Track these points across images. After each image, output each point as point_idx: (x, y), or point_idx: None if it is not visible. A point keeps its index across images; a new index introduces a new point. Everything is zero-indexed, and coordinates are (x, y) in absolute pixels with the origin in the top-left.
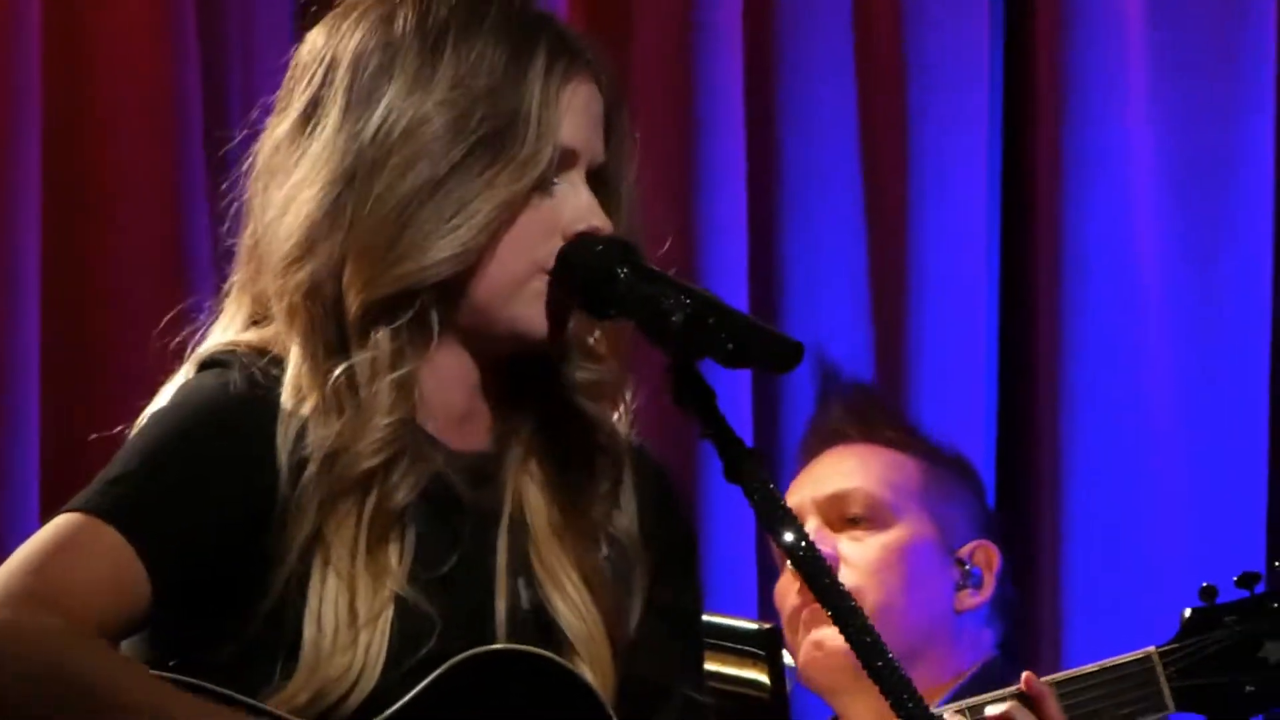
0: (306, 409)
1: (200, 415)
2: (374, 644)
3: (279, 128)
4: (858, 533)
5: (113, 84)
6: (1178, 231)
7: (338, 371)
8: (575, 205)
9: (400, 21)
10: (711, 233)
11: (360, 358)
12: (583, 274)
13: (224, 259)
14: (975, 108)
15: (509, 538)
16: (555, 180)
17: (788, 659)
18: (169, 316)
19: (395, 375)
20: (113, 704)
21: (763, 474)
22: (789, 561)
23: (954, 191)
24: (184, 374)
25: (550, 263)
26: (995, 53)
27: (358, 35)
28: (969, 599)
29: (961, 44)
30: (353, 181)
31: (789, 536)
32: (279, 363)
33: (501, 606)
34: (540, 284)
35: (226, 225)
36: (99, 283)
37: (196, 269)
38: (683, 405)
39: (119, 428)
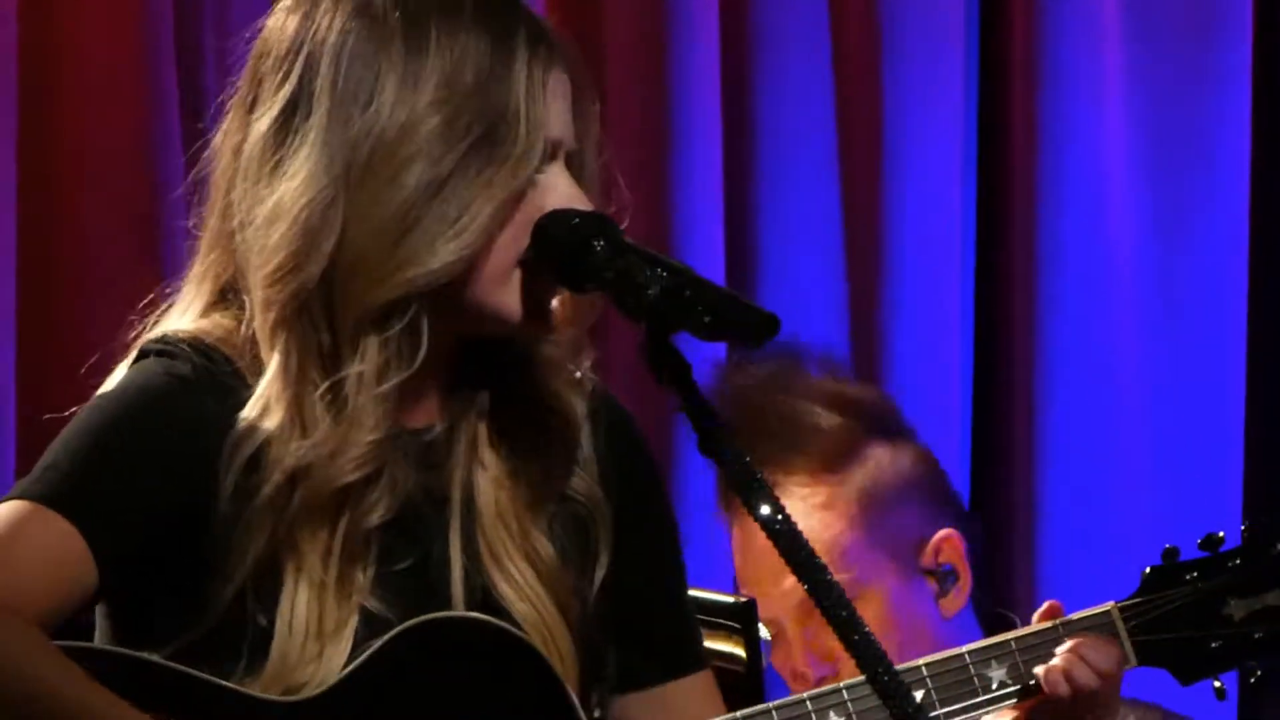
0: (270, 423)
1: (141, 401)
2: (337, 654)
3: (260, 121)
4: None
5: (86, 54)
6: (1152, 206)
7: (323, 387)
8: (560, 194)
9: (380, 10)
10: (686, 207)
11: (349, 371)
12: (558, 247)
13: (197, 232)
14: (950, 79)
15: (460, 522)
16: (540, 172)
17: (763, 632)
18: (146, 301)
19: (382, 389)
20: (43, 705)
21: (738, 447)
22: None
23: (928, 164)
24: (130, 359)
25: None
26: (970, 24)
27: (335, 25)
28: (954, 602)
29: (936, 14)
30: (347, 187)
31: (765, 509)
32: (229, 361)
33: (459, 594)
34: (519, 275)
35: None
36: (73, 255)
37: (170, 240)
38: (658, 378)
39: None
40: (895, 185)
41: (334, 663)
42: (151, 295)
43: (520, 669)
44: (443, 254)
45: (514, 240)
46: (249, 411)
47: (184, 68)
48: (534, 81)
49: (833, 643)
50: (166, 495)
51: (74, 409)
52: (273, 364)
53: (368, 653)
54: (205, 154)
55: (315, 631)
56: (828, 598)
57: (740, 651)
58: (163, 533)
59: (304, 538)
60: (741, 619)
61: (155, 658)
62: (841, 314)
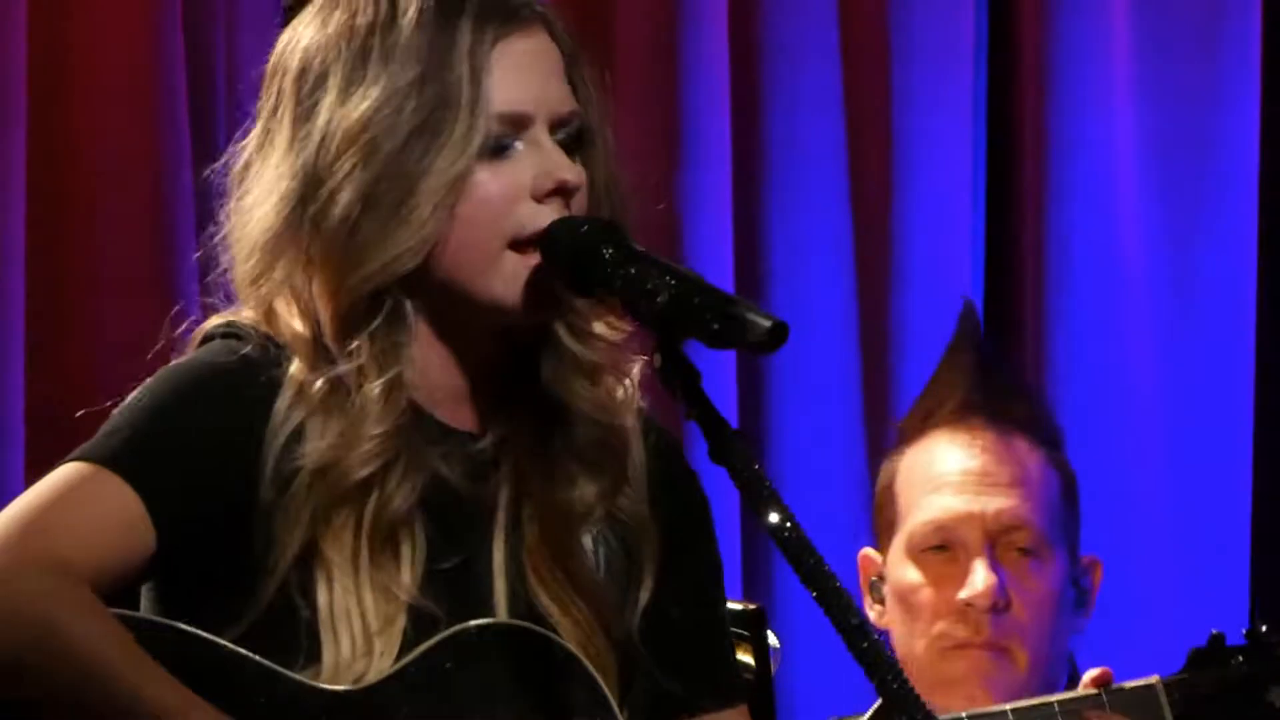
0: (297, 416)
1: (206, 376)
2: (387, 650)
3: (250, 139)
4: (1025, 564)
5: (96, 63)
6: (1160, 215)
7: (318, 384)
8: (537, 164)
9: (333, 25)
10: (697, 213)
11: (344, 368)
12: (568, 253)
13: (207, 237)
14: (960, 88)
15: (505, 533)
16: (512, 143)
17: (773, 640)
18: (160, 339)
19: (382, 380)
20: (94, 673)
21: (748, 454)
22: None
23: (938, 172)
24: (196, 343)
25: (523, 230)
26: (980, 36)
27: (304, 42)
28: (1081, 621)
29: (946, 27)
30: (304, 196)
31: (774, 517)
32: (284, 348)
33: (502, 601)
34: (516, 259)
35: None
36: (82, 261)
37: (179, 247)
38: (668, 385)
39: (107, 403)
40: (905, 196)
41: (384, 658)
42: (171, 312)
43: (569, 682)
44: (394, 244)
45: (488, 217)
46: (282, 402)
47: (193, 75)
48: (478, 57)
49: (1008, 579)
50: (222, 470)
51: (110, 402)
52: (292, 360)
53: (417, 651)
54: (210, 162)
55: (361, 631)
56: (836, 605)
57: (749, 659)
58: (216, 508)
59: (334, 531)
60: (751, 626)
61: (200, 632)
62: (851, 323)
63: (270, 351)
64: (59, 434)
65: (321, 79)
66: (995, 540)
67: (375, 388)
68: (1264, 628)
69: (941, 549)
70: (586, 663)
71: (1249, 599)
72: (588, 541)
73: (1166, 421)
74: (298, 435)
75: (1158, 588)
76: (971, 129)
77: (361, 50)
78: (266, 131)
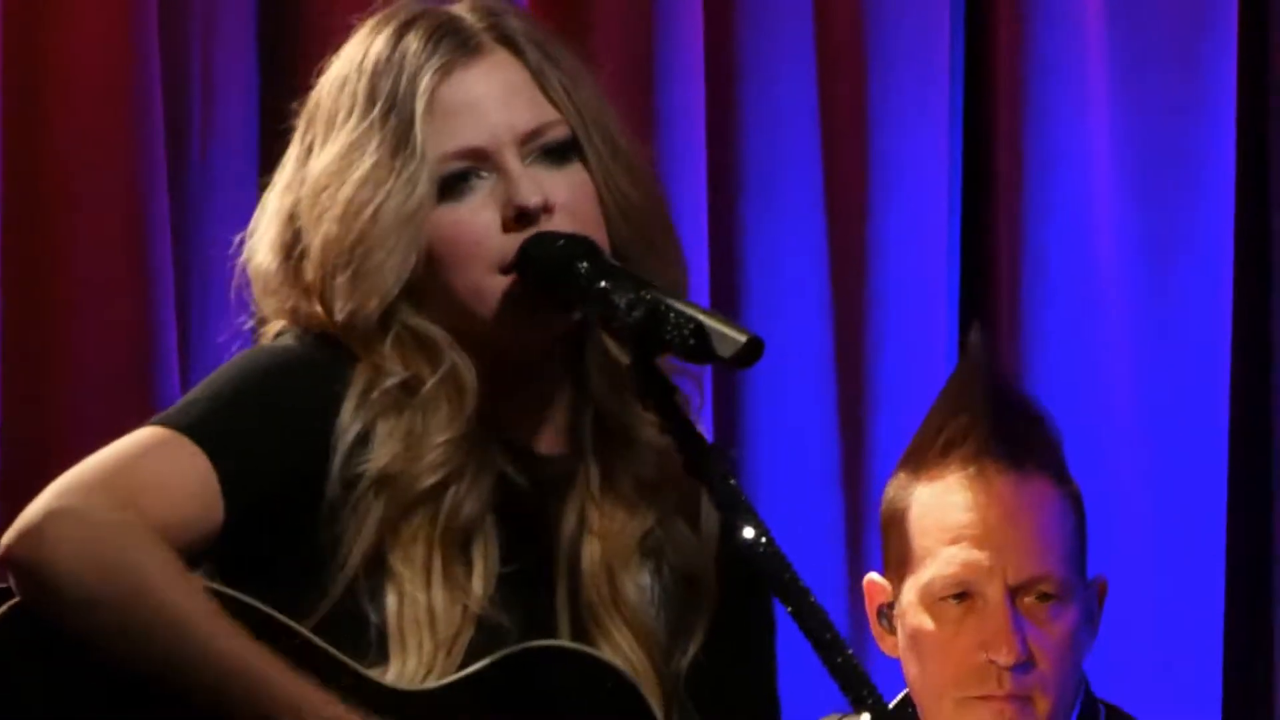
0: (365, 419)
1: (284, 360)
2: (452, 658)
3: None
4: (1046, 610)
5: (71, 69)
6: (1137, 228)
7: (378, 392)
8: (507, 193)
9: (329, 77)
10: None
11: (398, 377)
12: (542, 270)
13: (183, 248)
14: (936, 101)
15: (567, 550)
16: (476, 177)
17: None
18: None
19: (438, 376)
20: (173, 617)
21: (723, 469)
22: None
23: (915, 186)
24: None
25: (507, 257)
26: (955, 47)
27: (308, 105)
28: (1089, 641)
29: (923, 38)
30: (290, 242)
31: (749, 531)
32: (353, 353)
33: (564, 618)
34: (504, 281)
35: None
36: (58, 271)
37: (155, 254)
38: (643, 400)
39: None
40: (881, 209)
41: (448, 665)
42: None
43: (626, 713)
44: (361, 291)
45: (462, 258)
46: (349, 402)
47: (168, 80)
48: (418, 99)
49: (1028, 632)
50: (295, 456)
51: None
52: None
53: (484, 662)
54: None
55: (429, 636)
56: (811, 620)
57: None
58: (286, 492)
59: (403, 543)
60: None
61: (268, 609)
62: (826, 337)
63: (343, 351)
64: (33, 444)
65: (308, 128)
66: (1016, 590)
67: (435, 387)
68: None
69: (961, 596)
70: (646, 696)
71: (1223, 613)
72: (645, 576)
73: (1142, 435)
74: (364, 439)
75: (1131, 601)
76: (948, 142)
77: (333, 111)
78: (283, 166)
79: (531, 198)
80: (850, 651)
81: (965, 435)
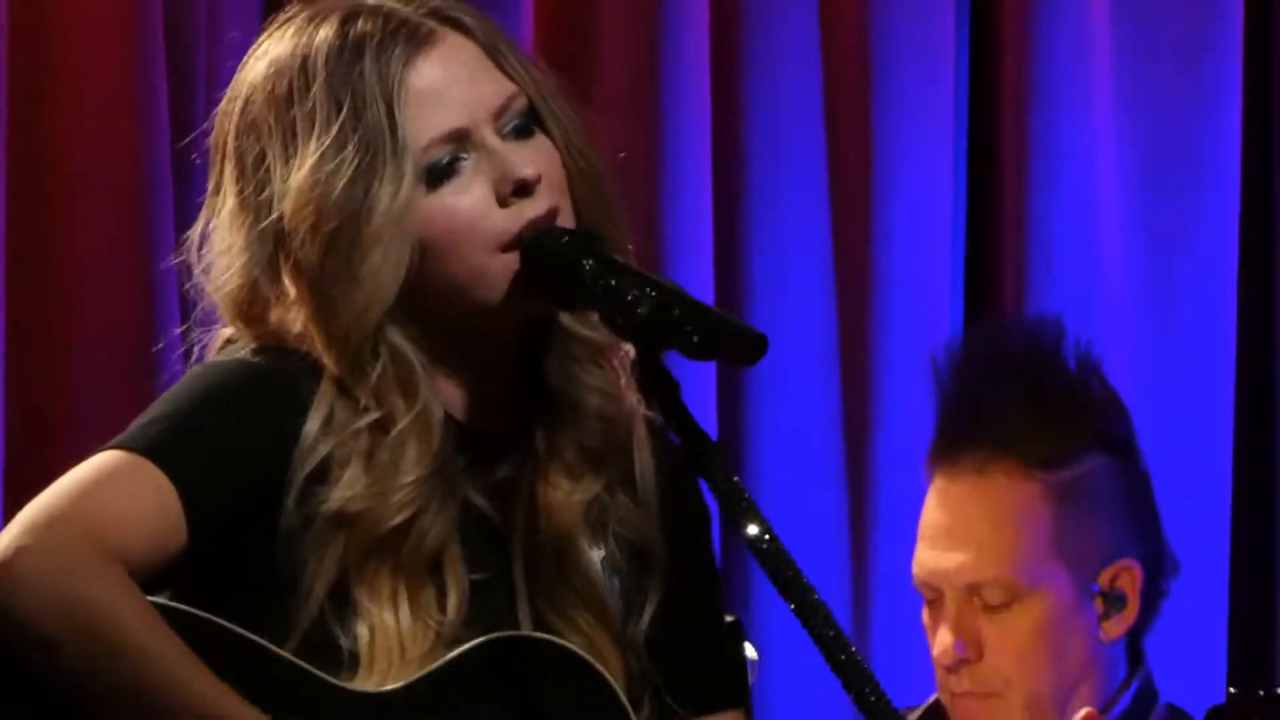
0: (327, 446)
1: (249, 375)
2: (421, 673)
3: (204, 212)
4: (997, 617)
5: (76, 65)
6: (1142, 224)
7: (349, 427)
8: (492, 170)
9: (257, 104)
10: (676, 223)
11: (371, 416)
12: (546, 266)
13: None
14: (941, 94)
15: (521, 546)
16: (461, 159)
17: (750, 652)
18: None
19: (412, 416)
20: (137, 656)
21: (727, 467)
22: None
23: (919, 180)
24: (218, 346)
25: (507, 233)
26: (961, 44)
27: (234, 122)
28: (1115, 627)
29: (927, 31)
30: (272, 260)
31: (753, 529)
32: (307, 356)
33: (525, 616)
34: (506, 260)
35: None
36: (62, 270)
37: (160, 250)
38: (647, 396)
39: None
40: (886, 205)
41: (418, 680)
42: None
43: (587, 690)
44: (361, 293)
45: (460, 242)
46: (312, 423)
47: (174, 76)
48: (388, 92)
49: (983, 630)
50: (257, 473)
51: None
52: (322, 375)
53: (440, 662)
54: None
55: (399, 659)
56: (814, 618)
57: None
58: (248, 511)
59: (368, 579)
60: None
61: (231, 625)
62: (831, 335)
63: (303, 361)
64: (38, 440)
65: (261, 158)
66: (962, 597)
67: (406, 427)
68: None
69: (933, 602)
70: (602, 669)
71: (1227, 610)
72: (596, 555)
73: (1146, 433)
74: (325, 467)
75: None
76: (952, 135)
77: (287, 123)
78: (219, 206)
79: (526, 168)
80: (854, 649)
81: (940, 436)
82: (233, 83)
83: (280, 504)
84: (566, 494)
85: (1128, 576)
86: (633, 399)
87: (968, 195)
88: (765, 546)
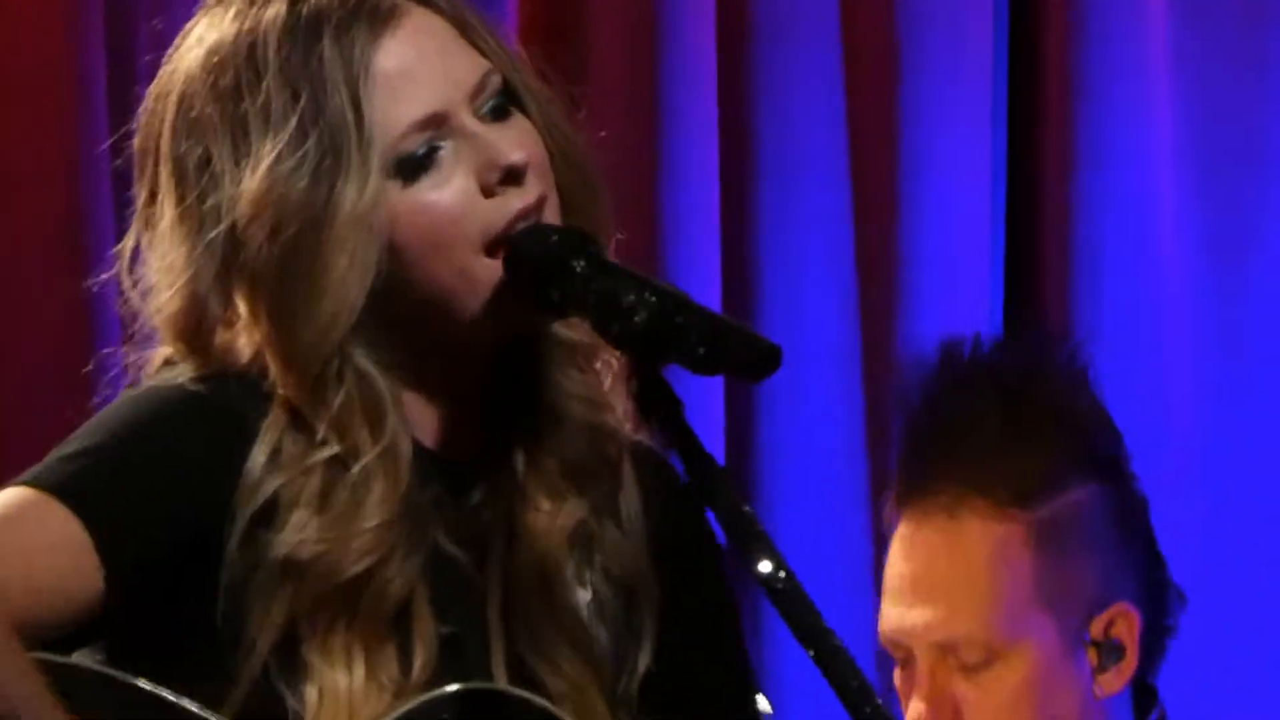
0: (275, 482)
1: (180, 403)
2: None
3: (135, 228)
4: (974, 677)
5: (6, 56)
6: (1201, 228)
7: (302, 462)
8: (474, 156)
9: (198, 99)
10: (679, 225)
11: (329, 451)
12: (533, 267)
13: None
14: (975, 92)
15: (498, 590)
16: (438, 147)
17: (763, 704)
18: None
19: (376, 451)
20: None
21: (736, 494)
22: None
23: (952, 181)
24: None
25: (492, 229)
26: (999, 36)
27: (169, 120)
28: (1112, 681)
29: (960, 24)
30: (222, 273)
31: (765, 566)
32: (264, 392)
33: (499, 662)
34: (492, 265)
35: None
36: None
37: (97, 252)
38: (645, 415)
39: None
40: (914, 205)
41: None
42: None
43: None
44: (325, 305)
45: (441, 241)
46: (257, 455)
47: (114, 64)
48: (352, 78)
49: (961, 694)
50: (186, 517)
51: None
52: (270, 398)
53: (403, 709)
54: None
55: None
56: (834, 665)
57: None
58: (177, 558)
59: (318, 629)
60: None
61: (136, 680)
62: (853, 349)
63: (247, 383)
64: None
65: (205, 161)
66: (935, 658)
67: (371, 464)
68: None
69: (905, 663)
70: None
71: None
72: (583, 595)
73: (1207, 449)
74: (272, 507)
75: (1193, 614)
76: (990, 136)
77: (236, 119)
78: (149, 208)
79: (514, 153)
80: (879, 702)
81: (902, 480)
82: (161, 75)
83: (220, 550)
84: (549, 516)
85: (1124, 623)
86: (618, 410)
87: (1007, 201)
88: (779, 585)
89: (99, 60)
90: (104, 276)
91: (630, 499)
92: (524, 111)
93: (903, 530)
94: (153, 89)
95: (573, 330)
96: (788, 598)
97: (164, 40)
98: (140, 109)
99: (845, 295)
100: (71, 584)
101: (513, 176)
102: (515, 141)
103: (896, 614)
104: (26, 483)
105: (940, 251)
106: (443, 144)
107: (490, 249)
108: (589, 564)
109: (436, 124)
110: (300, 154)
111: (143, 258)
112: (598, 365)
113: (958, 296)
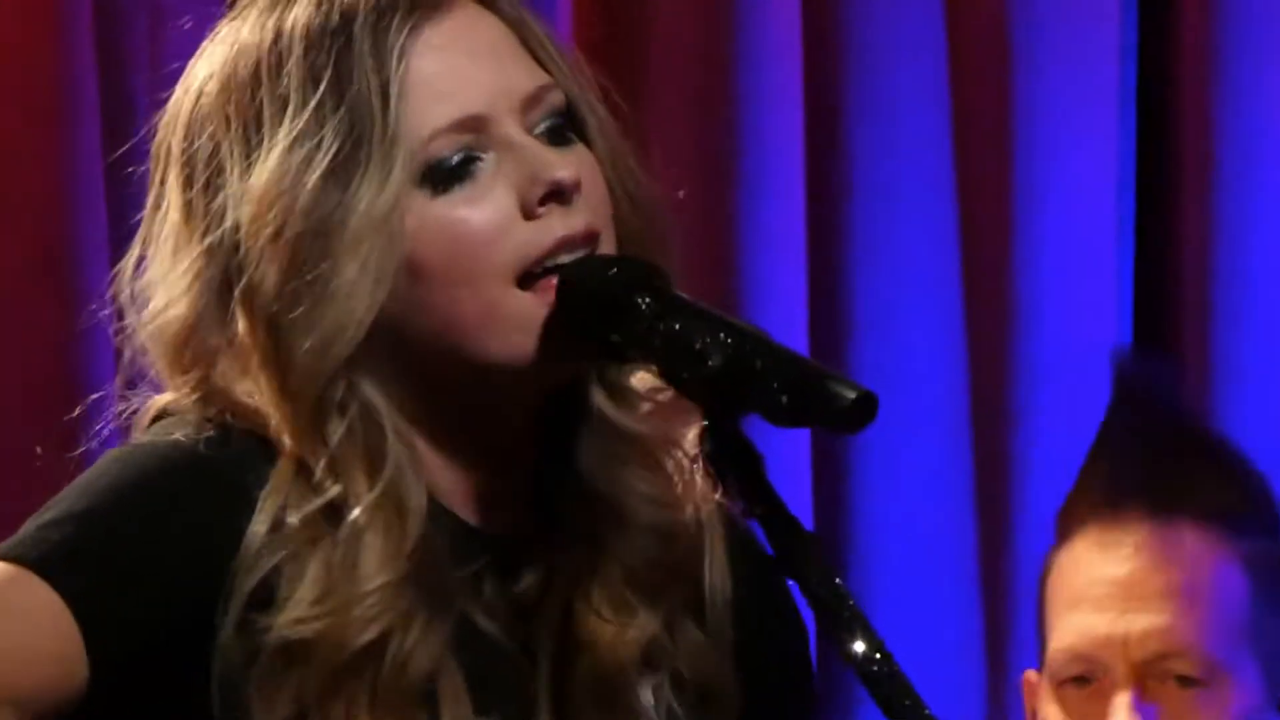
0: (276, 556)
1: (175, 467)
2: None
3: (141, 234)
4: (1188, 697)
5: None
6: None
7: (296, 519)
8: (517, 170)
9: (214, 86)
10: (760, 252)
11: (324, 497)
12: (590, 305)
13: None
14: (1102, 85)
15: (548, 684)
16: (475, 156)
17: None
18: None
19: (373, 497)
20: None
21: (827, 564)
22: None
23: (1074, 194)
24: (148, 419)
25: (528, 258)
26: (1128, 20)
27: (182, 116)
28: None
29: (1083, 16)
30: (225, 285)
31: (858, 647)
32: (269, 452)
33: None
34: (527, 301)
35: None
36: None
37: (89, 276)
38: (720, 474)
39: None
40: (1028, 225)
41: None
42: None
43: None
44: (325, 323)
45: (468, 265)
46: (257, 526)
47: (106, 72)
48: (384, 64)
49: (1174, 709)
50: (183, 597)
51: None
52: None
53: None
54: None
55: None
56: None
57: None
58: (170, 643)
59: (333, 713)
60: None
61: None
62: (959, 394)
63: (251, 441)
64: None
65: (213, 153)
66: (1146, 670)
67: (368, 511)
68: None
69: (1084, 680)
70: None
71: None
72: (647, 695)
73: None
74: (271, 584)
75: None
76: (1117, 137)
77: (251, 109)
78: (158, 222)
79: (562, 169)
80: None
81: (1100, 480)
82: (183, 77)
83: (215, 633)
84: (616, 631)
85: None
86: (699, 500)
87: (1136, 213)
88: (875, 668)
89: (88, 61)
90: (96, 308)
91: (719, 594)
92: (586, 141)
93: (1098, 539)
94: (175, 91)
95: (640, 423)
96: (884, 681)
97: (163, 42)
98: (158, 113)
99: (951, 334)
100: (52, 672)
101: (558, 195)
102: (568, 161)
103: (1105, 621)
104: (2, 556)
105: (1059, 276)
106: (483, 155)
107: (523, 280)
108: (660, 667)
109: (475, 129)
110: (314, 143)
111: (142, 272)
112: (669, 464)
113: (1079, 327)
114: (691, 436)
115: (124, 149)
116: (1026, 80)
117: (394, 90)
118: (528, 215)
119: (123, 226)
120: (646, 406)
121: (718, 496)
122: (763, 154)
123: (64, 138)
